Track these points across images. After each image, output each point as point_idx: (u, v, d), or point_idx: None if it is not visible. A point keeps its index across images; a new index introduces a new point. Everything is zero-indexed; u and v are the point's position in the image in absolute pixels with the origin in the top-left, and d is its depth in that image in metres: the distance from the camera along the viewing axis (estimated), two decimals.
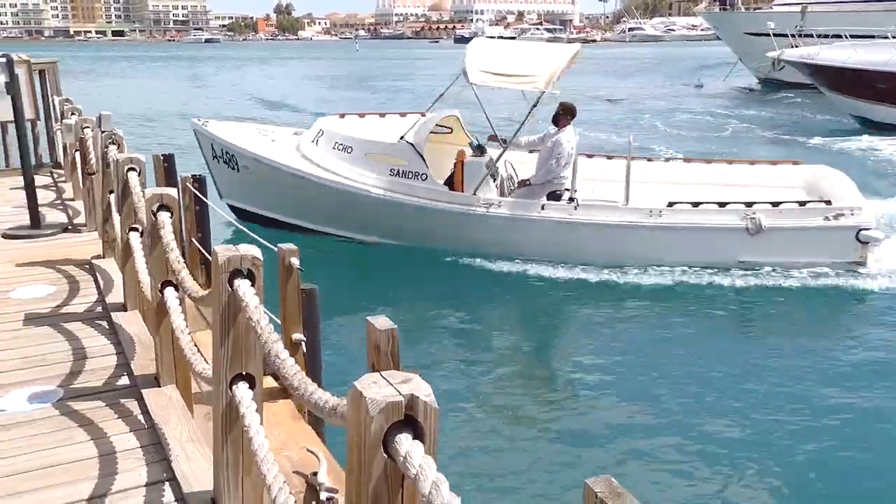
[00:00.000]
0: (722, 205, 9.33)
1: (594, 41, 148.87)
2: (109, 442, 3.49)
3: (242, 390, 2.75)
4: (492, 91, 9.69)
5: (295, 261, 4.17)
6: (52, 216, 7.73)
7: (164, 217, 3.80)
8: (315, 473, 3.38)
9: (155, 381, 4.00)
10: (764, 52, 29.06)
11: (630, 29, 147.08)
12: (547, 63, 9.57)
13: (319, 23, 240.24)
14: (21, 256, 6.36)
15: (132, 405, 3.83)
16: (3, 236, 7.03)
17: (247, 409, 2.69)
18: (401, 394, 1.65)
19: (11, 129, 9.65)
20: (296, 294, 4.20)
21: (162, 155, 7.41)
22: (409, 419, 1.66)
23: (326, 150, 10.18)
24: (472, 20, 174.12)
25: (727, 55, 42.08)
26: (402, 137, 9.72)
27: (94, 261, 6.13)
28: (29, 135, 10.10)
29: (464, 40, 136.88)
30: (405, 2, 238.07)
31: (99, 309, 5.17)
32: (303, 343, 4.24)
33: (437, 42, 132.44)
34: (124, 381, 4.10)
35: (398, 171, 9.65)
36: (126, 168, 4.88)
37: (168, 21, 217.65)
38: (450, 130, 10.64)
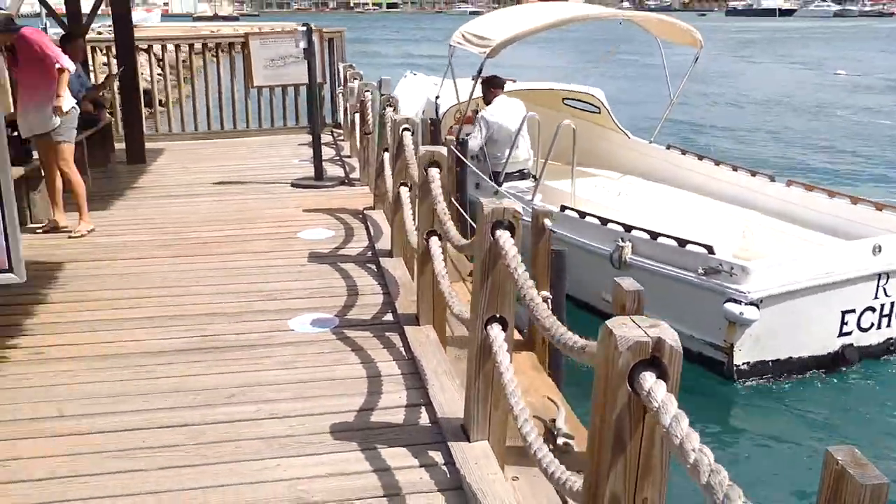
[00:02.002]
0: (604, 221, 7.22)
1: (892, 14, 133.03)
2: (376, 366, 3.97)
3: (496, 331, 3.03)
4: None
5: (548, 222, 4.40)
6: (332, 170, 8.62)
7: (433, 172, 4.19)
8: (553, 420, 3.61)
9: (415, 320, 4.44)
10: None
11: None
12: (512, 28, 8.71)
13: None
14: (306, 203, 7.22)
15: (395, 338, 4.30)
16: (291, 185, 8.00)
17: (499, 348, 2.97)
18: (648, 335, 1.80)
19: (302, 91, 10.89)
20: (546, 254, 4.43)
21: (430, 119, 8.00)
22: (654, 360, 1.81)
23: None
24: None
25: None
26: (437, 97, 9.80)
27: (365, 211, 6.82)
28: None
29: (736, 13, 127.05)
30: None
31: (369, 254, 5.78)
32: (549, 301, 4.46)
33: (704, 15, 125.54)
34: (388, 317, 4.60)
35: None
36: (401, 128, 5.38)
37: None
38: (597, 110, 10.21)
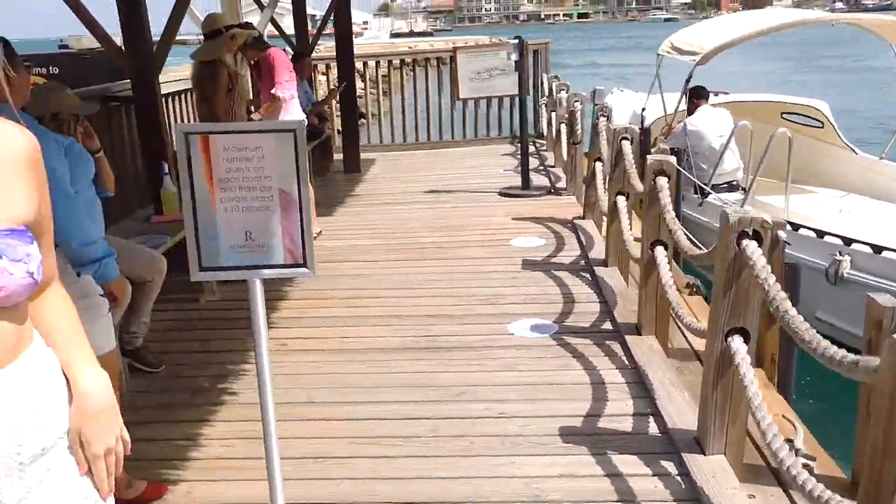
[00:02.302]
0: (820, 234, 6.74)
1: None
2: (598, 373, 3.99)
3: (738, 343, 2.96)
4: None
5: (782, 234, 4.19)
6: (536, 180, 8.70)
7: (661, 181, 4.15)
8: (791, 440, 3.45)
9: (635, 329, 4.41)
10: None
11: None
12: (723, 35, 8.35)
13: None
14: (515, 212, 7.37)
15: (616, 347, 4.29)
16: (499, 194, 8.19)
17: (742, 360, 2.90)
18: None
19: (505, 102, 11.12)
20: (779, 267, 4.23)
21: (640, 127, 7.89)
22: None
23: None
24: None
25: None
26: (643, 109, 9.75)
27: (575, 221, 6.85)
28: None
29: None
30: None
31: (582, 262, 5.80)
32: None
33: None
34: (607, 326, 4.61)
35: None
36: (620, 137, 5.37)
37: (630, 1, 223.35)
38: (821, 125, 9.34)
